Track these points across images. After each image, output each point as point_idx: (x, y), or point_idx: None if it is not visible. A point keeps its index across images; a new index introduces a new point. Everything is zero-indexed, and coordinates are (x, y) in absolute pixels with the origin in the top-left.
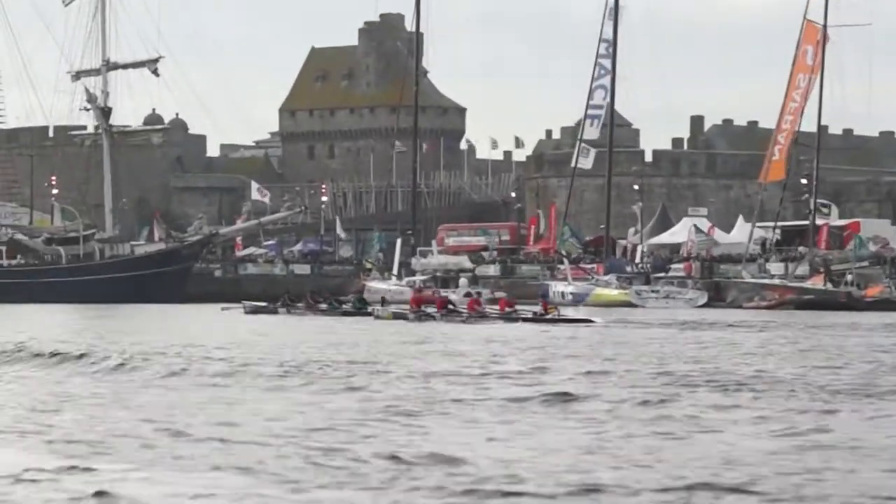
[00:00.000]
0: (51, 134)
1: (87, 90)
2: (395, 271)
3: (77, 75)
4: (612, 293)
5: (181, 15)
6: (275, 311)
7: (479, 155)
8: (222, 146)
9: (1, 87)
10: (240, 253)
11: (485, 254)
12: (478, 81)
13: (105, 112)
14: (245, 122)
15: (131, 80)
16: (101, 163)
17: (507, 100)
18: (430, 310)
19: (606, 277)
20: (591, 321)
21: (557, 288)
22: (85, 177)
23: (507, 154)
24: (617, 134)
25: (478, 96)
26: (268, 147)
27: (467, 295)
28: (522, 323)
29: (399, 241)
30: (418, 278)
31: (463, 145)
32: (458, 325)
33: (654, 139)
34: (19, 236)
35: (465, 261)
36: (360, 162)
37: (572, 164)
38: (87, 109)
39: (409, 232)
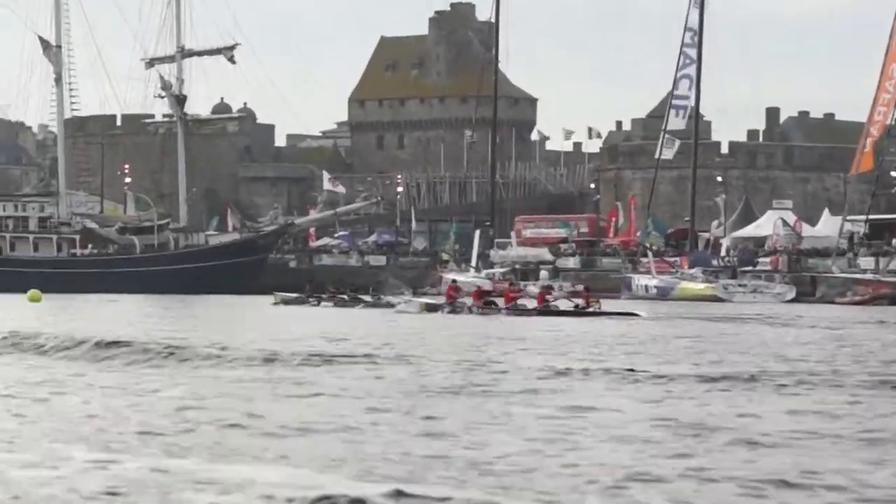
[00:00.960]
0: (118, 122)
1: (161, 77)
2: (473, 263)
3: (151, 62)
4: (699, 287)
5: (252, 2)
6: (304, 302)
7: (549, 146)
8: (289, 136)
9: (75, 75)
10: (314, 244)
11: (563, 246)
12: (547, 72)
13: (180, 100)
14: (312, 113)
15: (206, 67)
16: (173, 151)
17: (576, 91)
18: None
19: (692, 271)
20: (635, 314)
21: (640, 281)
22: (159, 165)
23: (577, 145)
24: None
25: (547, 87)
26: (335, 137)
27: (547, 288)
28: (561, 317)
29: (477, 233)
30: (497, 270)
31: (534, 136)
32: (495, 317)
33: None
34: (92, 225)
35: (545, 253)
36: (430, 152)
37: (656, 156)
38: (162, 97)
39: (488, 223)
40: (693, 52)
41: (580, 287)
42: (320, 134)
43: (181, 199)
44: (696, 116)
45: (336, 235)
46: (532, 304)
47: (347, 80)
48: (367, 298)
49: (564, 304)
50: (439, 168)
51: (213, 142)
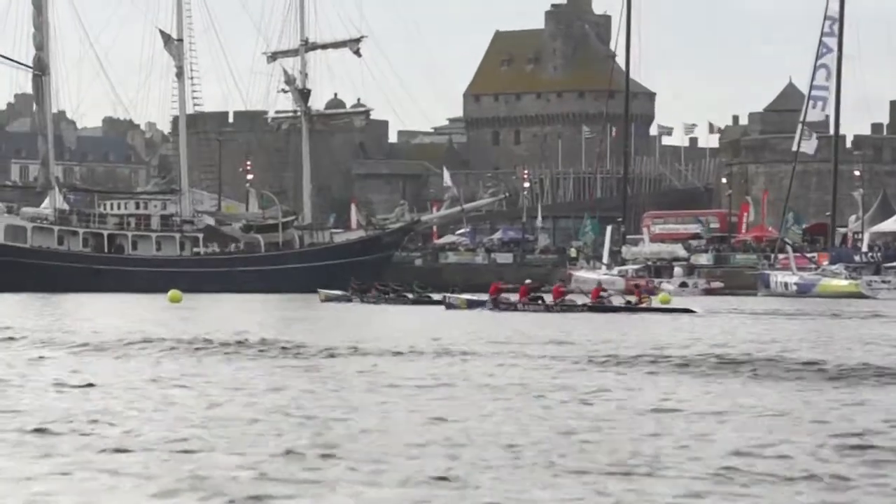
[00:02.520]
0: (231, 119)
1: (285, 71)
2: (605, 260)
3: (273, 56)
4: (842, 284)
5: None
6: (349, 300)
7: (665, 141)
8: (400, 133)
9: (197, 70)
10: (437, 241)
11: (693, 242)
12: (661, 66)
13: (304, 94)
14: (424, 109)
15: (330, 61)
16: (293, 147)
17: (690, 85)
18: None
19: (834, 267)
20: (692, 311)
21: (779, 278)
22: (280, 162)
23: (693, 140)
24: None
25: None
26: (449, 133)
27: (682, 285)
28: (613, 313)
29: (609, 229)
30: (630, 267)
31: (654, 131)
32: (547, 314)
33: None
34: (216, 224)
35: (678, 249)
36: (547, 148)
37: (793, 148)
38: (285, 91)
39: (620, 219)
40: (832, 42)
41: (716, 284)
42: (432, 130)
43: (305, 196)
44: (836, 108)
45: (458, 233)
46: (582, 299)
47: (461, 75)
48: (410, 295)
49: (616, 301)
50: (556, 164)
51: (327, 138)
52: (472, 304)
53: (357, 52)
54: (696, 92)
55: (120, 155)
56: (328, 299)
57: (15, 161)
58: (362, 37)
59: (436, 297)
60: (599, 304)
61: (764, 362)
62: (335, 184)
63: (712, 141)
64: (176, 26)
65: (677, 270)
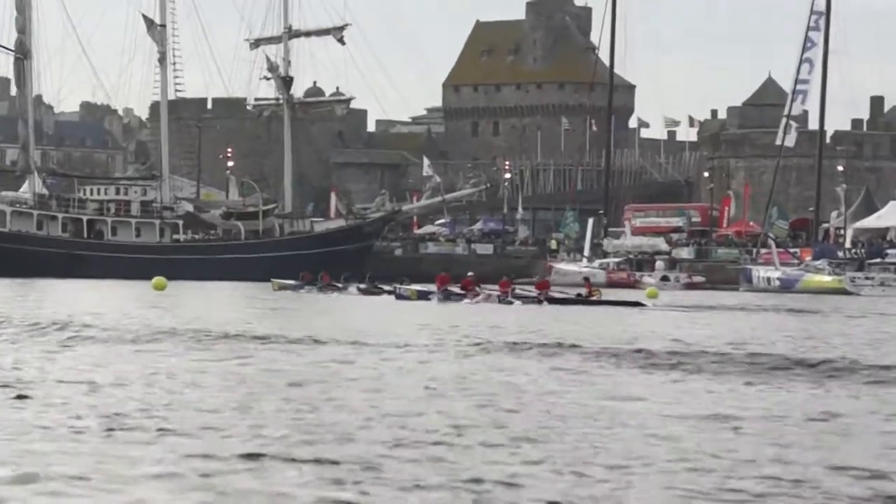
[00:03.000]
0: (209, 106)
1: (267, 58)
2: (586, 253)
3: (256, 43)
4: (825, 280)
5: None
6: (300, 288)
7: (643, 134)
8: (378, 122)
9: (180, 55)
10: (418, 231)
11: (674, 236)
12: (639, 58)
13: (286, 82)
14: (402, 99)
15: (313, 49)
16: (273, 135)
17: (667, 77)
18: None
19: (817, 263)
20: (641, 304)
21: (762, 273)
22: (261, 149)
23: (672, 134)
24: (779, 114)
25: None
26: (427, 123)
27: (664, 279)
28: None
29: (591, 221)
30: (611, 260)
31: (633, 123)
32: (505, 306)
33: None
34: (196, 210)
35: (661, 243)
36: (526, 139)
37: (777, 142)
38: (268, 79)
39: (602, 212)
40: (817, 36)
41: (697, 278)
42: (410, 120)
43: (286, 184)
44: (822, 103)
45: (438, 223)
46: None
47: (439, 65)
48: (362, 286)
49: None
50: (534, 156)
51: (307, 126)
52: (421, 295)
53: (341, 40)
54: (674, 85)
55: (97, 140)
56: (282, 288)
57: None
58: (346, 25)
59: (387, 287)
60: (548, 297)
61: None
62: (313, 172)
63: (691, 134)
64: (159, 11)
65: (659, 264)
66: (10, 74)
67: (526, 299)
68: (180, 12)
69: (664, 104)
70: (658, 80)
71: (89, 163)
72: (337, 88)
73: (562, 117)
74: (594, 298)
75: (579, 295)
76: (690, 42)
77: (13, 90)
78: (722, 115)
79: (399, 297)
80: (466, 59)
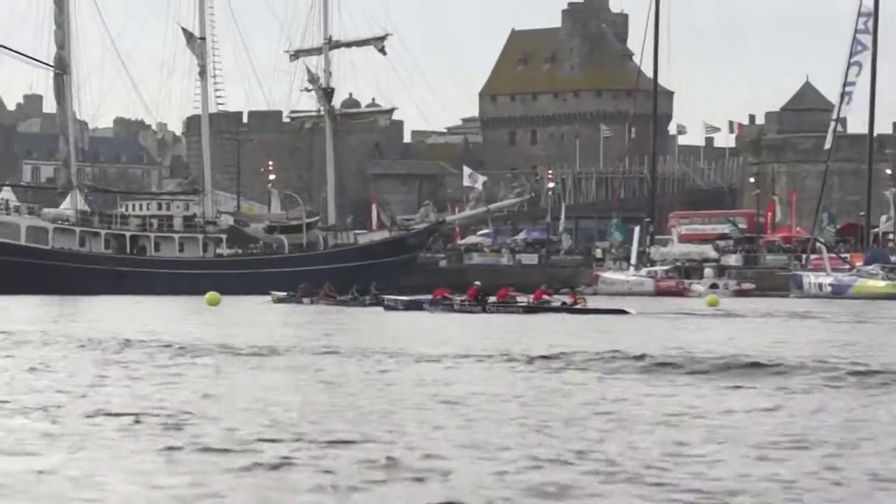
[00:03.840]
0: (245, 119)
1: (308, 70)
2: (633, 261)
3: (296, 55)
4: (879, 285)
5: None
6: (300, 301)
7: (681, 141)
8: (414, 132)
9: (220, 68)
10: (461, 242)
11: (720, 243)
12: (676, 64)
13: (327, 93)
14: (440, 108)
15: (354, 59)
16: (315, 147)
17: (706, 83)
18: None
19: (869, 268)
20: (626, 312)
21: (813, 279)
22: (301, 162)
23: (709, 140)
24: (821, 119)
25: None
26: (462, 133)
27: (713, 286)
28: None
29: (637, 229)
30: (659, 268)
31: (672, 130)
32: (493, 315)
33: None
34: (239, 224)
35: (708, 250)
36: (564, 148)
37: (826, 146)
38: (308, 90)
39: (648, 220)
40: (866, 39)
41: (747, 285)
42: (445, 130)
43: (329, 196)
44: (871, 105)
45: (480, 233)
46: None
47: (475, 74)
48: (367, 298)
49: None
50: (573, 164)
51: (344, 138)
52: (409, 306)
53: (382, 51)
54: (711, 90)
55: (132, 156)
56: (279, 301)
57: (26, 162)
58: (387, 35)
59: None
60: (536, 305)
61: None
62: (351, 184)
63: (729, 140)
64: (199, 24)
65: (708, 272)
66: (46, 90)
67: (505, 307)
68: (220, 25)
69: (701, 110)
70: (694, 85)
71: (125, 179)
72: (373, 100)
73: (601, 125)
74: (579, 307)
75: (564, 304)
76: (726, 47)
77: (45, 107)
78: (760, 120)
79: (388, 307)
80: (503, 67)
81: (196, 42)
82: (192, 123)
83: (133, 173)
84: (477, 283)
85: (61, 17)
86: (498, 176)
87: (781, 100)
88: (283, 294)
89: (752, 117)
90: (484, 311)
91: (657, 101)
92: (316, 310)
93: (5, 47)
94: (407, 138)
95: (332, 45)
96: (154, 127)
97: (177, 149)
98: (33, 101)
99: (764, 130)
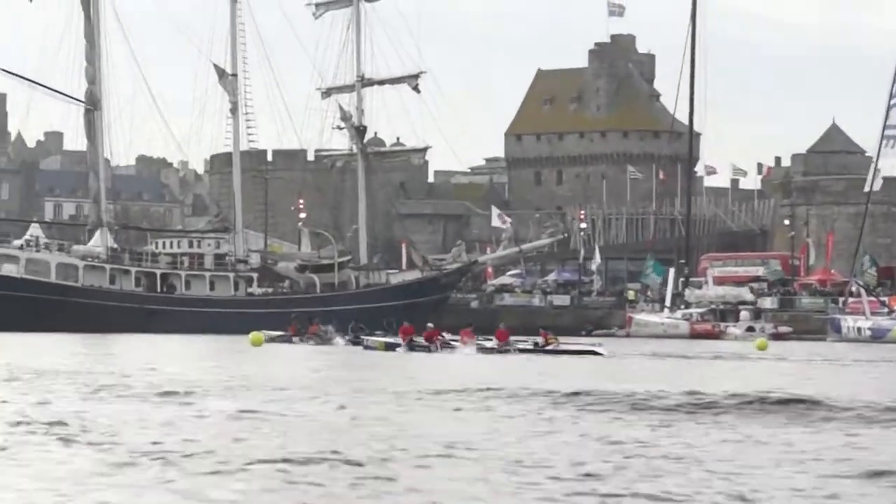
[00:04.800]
0: (269, 158)
1: (340, 108)
2: (667, 303)
3: (328, 92)
4: None
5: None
6: (289, 341)
7: (706, 182)
8: (437, 172)
9: (252, 105)
10: (492, 282)
11: (754, 285)
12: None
13: (360, 131)
14: (469, 148)
15: (386, 97)
16: (346, 185)
17: (730, 125)
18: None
19: None
20: (597, 352)
21: (851, 322)
22: (337, 200)
23: (735, 182)
24: (847, 161)
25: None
26: (486, 173)
27: (749, 329)
28: (521, 354)
29: (672, 271)
30: (694, 311)
31: (699, 171)
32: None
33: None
34: (274, 263)
35: (745, 292)
36: (591, 188)
37: (865, 189)
38: (341, 128)
39: (683, 262)
40: None
41: (784, 328)
42: (469, 170)
43: (361, 235)
44: None
45: (509, 273)
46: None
47: (500, 114)
48: (347, 336)
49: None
50: (600, 205)
51: (370, 177)
52: (389, 346)
53: (416, 89)
54: (735, 132)
55: (154, 193)
56: (271, 340)
57: (48, 199)
58: (421, 72)
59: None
60: (505, 347)
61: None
62: (377, 224)
63: (755, 182)
64: (230, 61)
65: (744, 314)
66: (67, 128)
67: (483, 349)
68: (251, 61)
69: (725, 152)
70: (719, 127)
71: (147, 216)
72: (398, 139)
73: (627, 166)
74: (551, 347)
75: (536, 344)
76: (749, 88)
77: (66, 144)
78: (785, 162)
79: (367, 347)
80: (528, 107)
81: (228, 79)
82: (215, 161)
83: (155, 211)
84: (430, 325)
85: (92, 54)
86: (523, 216)
87: (807, 142)
88: (275, 333)
89: (777, 159)
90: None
91: (683, 143)
92: (328, 350)
93: (37, 83)
94: (431, 178)
95: (365, 82)
96: (176, 165)
97: (199, 187)
98: (54, 138)
99: (790, 173)
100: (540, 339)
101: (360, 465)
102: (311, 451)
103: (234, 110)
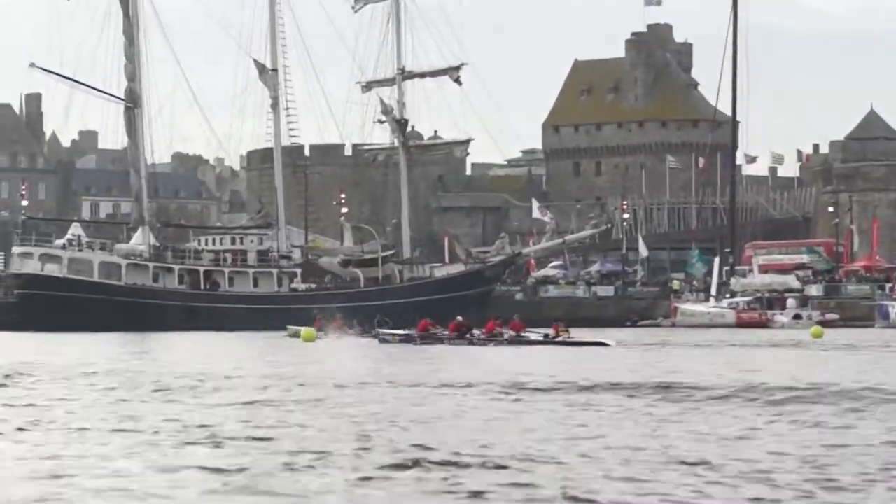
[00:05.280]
0: (307, 153)
1: (381, 101)
2: (713, 292)
3: (368, 86)
4: None
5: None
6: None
7: (745, 171)
8: (474, 165)
9: (293, 100)
10: (535, 274)
11: (799, 273)
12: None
13: (401, 124)
14: (511, 139)
15: (427, 90)
16: (387, 180)
17: (766, 113)
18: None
19: None
20: (605, 343)
21: None
22: (378, 194)
23: (772, 170)
24: (886, 147)
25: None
26: (524, 165)
27: (796, 317)
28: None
29: (717, 260)
30: (741, 299)
31: (739, 160)
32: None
33: None
34: (316, 258)
35: (791, 280)
36: (630, 179)
37: None
38: (382, 122)
39: (728, 251)
40: None
41: (831, 316)
42: (505, 162)
43: (404, 229)
44: None
45: (551, 265)
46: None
47: (536, 106)
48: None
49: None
50: (640, 195)
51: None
52: (404, 339)
53: (457, 81)
54: (773, 120)
55: (191, 191)
56: (294, 335)
57: (85, 198)
58: (462, 64)
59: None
60: (517, 338)
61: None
62: (415, 217)
63: (792, 170)
64: (271, 56)
65: (790, 302)
66: (102, 127)
67: (493, 341)
68: (291, 56)
69: (765, 140)
70: (756, 114)
71: (184, 214)
72: (435, 132)
73: (667, 156)
74: (560, 339)
75: (546, 336)
76: (785, 75)
77: (100, 143)
78: (823, 149)
79: (382, 341)
80: (566, 98)
81: (268, 74)
82: (252, 157)
83: (193, 208)
84: (458, 318)
85: (131, 51)
86: (563, 207)
87: (845, 129)
88: (297, 328)
89: (815, 146)
90: (470, 343)
91: (722, 132)
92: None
93: (78, 81)
94: (467, 171)
95: (406, 75)
96: (212, 161)
97: (235, 183)
98: (88, 137)
99: (829, 160)
100: (551, 331)
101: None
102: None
103: (274, 106)
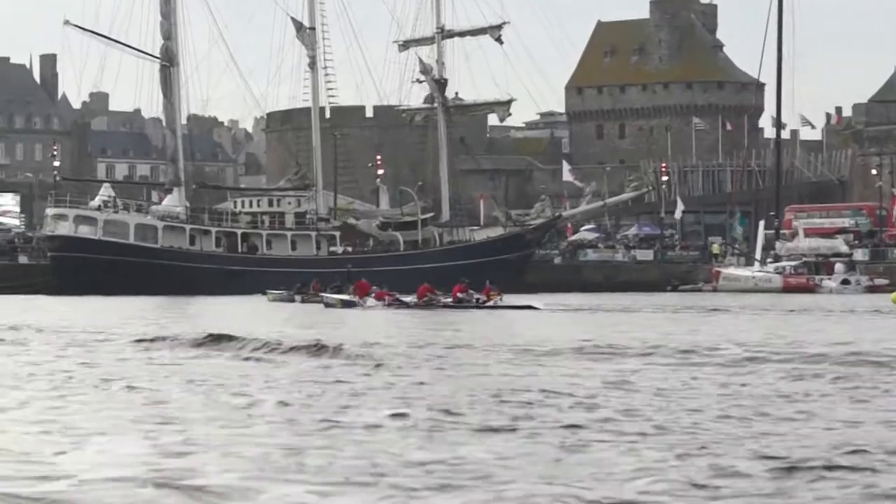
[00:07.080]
0: (328, 115)
1: (420, 61)
2: (758, 256)
3: (406, 45)
4: None
5: None
6: (291, 300)
7: (767, 133)
8: (492, 127)
9: (331, 59)
10: (571, 238)
11: (842, 237)
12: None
13: (440, 84)
14: (533, 101)
15: (467, 49)
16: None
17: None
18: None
19: None
20: (533, 307)
21: None
22: (420, 157)
23: (794, 133)
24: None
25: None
26: (550, 126)
27: (845, 282)
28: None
29: (762, 224)
30: (787, 264)
31: (764, 122)
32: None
33: None
34: (354, 221)
35: (839, 244)
36: (654, 141)
37: None
38: (420, 81)
39: (773, 214)
40: None
41: (880, 281)
42: (523, 125)
43: (444, 192)
44: None
45: (584, 228)
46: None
47: (557, 67)
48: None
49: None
50: (664, 157)
51: (429, 132)
52: (346, 304)
53: (499, 39)
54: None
55: (207, 153)
56: (275, 300)
57: (101, 160)
58: (504, 23)
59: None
60: (455, 303)
61: None
62: (437, 179)
63: (817, 133)
64: (308, 14)
65: (839, 267)
66: (113, 88)
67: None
68: (329, 15)
69: (788, 102)
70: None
71: (202, 175)
72: (456, 94)
73: (692, 118)
74: (491, 304)
75: (478, 300)
76: (808, 39)
77: (111, 104)
78: (846, 112)
79: (327, 305)
80: (589, 60)
81: (306, 32)
82: (272, 119)
83: (210, 170)
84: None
85: (167, 8)
86: (587, 171)
87: (867, 91)
88: (278, 292)
89: (838, 109)
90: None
91: (748, 94)
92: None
93: (113, 39)
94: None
95: (445, 34)
96: (227, 124)
97: (250, 146)
98: (99, 98)
99: (852, 122)
100: (482, 296)
101: None
102: None
103: (311, 65)
